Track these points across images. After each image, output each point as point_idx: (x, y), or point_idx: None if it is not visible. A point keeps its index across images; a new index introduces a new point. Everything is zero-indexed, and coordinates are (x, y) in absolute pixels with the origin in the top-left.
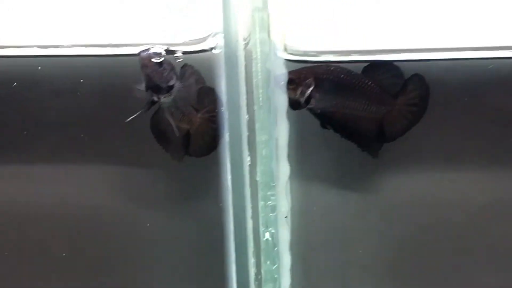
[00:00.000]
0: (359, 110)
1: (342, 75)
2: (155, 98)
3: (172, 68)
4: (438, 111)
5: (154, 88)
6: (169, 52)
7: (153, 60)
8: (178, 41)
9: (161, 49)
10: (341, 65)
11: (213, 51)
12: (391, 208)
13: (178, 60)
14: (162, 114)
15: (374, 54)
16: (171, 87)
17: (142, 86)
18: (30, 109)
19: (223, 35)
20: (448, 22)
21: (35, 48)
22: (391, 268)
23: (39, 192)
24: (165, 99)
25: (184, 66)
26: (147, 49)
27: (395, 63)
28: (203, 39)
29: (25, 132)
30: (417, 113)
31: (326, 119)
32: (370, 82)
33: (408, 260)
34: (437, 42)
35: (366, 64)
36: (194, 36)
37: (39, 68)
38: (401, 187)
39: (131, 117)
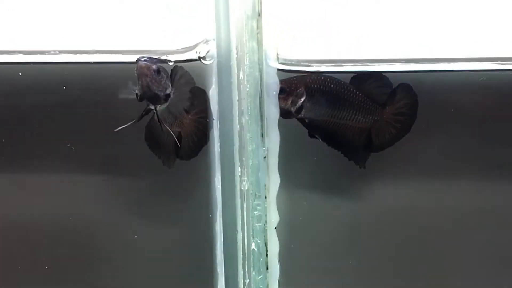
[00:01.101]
0: (346, 120)
1: (332, 85)
2: (151, 107)
3: (168, 76)
4: (425, 121)
5: (152, 97)
6: (163, 61)
7: (151, 68)
8: (169, 48)
9: (157, 57)
10: (330, 74)
11: (204, 61)
12: (379, 217)
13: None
14: (155, 121)
15: (366, 64)
16: (168, 95)
17: (129, 89)
18: (20, 119)
19: (215, 43)
20: (439, 33)
21: (20, 54)
22: (378, 277)
23: (29, 203)
24: (160, 108)
25: (174, 68)
26: (145, 57)
27: (386, 73)
28: (195, 47)
29: (3, 141)
30: (406, 122)
31: (314, 128)
32: (358, 92)
33: (396, 268)
34: (428, 53)
35: (354, 73)
36: (186, 44)
37: (19, 74)
38: (389, 196)
39: (121, 127)
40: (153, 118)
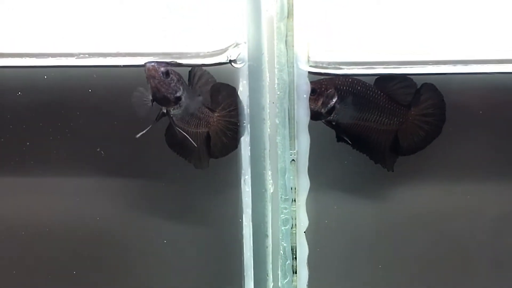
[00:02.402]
0: (371, 122)
1: (359, 87)
2: (164, 110)
3: (179, 78)
4: (454, 123)
5: (162, 99)
6: (176, 64)
7: (159, 70)
8: (200, 51)
9: (167, 60)
10: (357, 77)
11: (235, 64)
12: (409, 221)
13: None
14: (174, 126)
15: (398, 67)
16: (179, 98)
17: (141, 93)
18: (38, 120)
19: (246, 46)
20: (470, 35)
21: (39, 57)
22: (408, 281)
23: (59, 205)
24: (175, 111)
25: (192, 69)
26: (153, 61)
27: (417, 76)
28: (225, 50)
29: (27, 143)
30: (434, 123)
31: (341, 131)
32: (382, 94)
33: (424, 272)
34: (458, 55)
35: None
36: (216, 47)
37: (45, 77)
38: (419, 200)
39: (141, 133)
40: (170, 125)
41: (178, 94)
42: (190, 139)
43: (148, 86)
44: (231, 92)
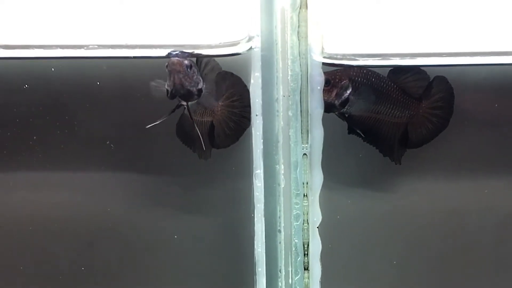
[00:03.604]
0: (383, 114)
1: (373, 79)
2: (183, 103)
3: (198, 70)
4: (465, 116)
5: (186, 94)
6: (195, 55)
7: (184, 64)
8: (211, 43)
9: (189, 52)
10: (371, 68)
11: (251, 50)
12: (424, 217)
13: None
14: (186, 117)
15: (414, 58)
16: (201, 90)
17: (160, 84)
18: (45, 113)
19: (259, 37)
20: (487, 26)
21: (47, 49)
22: (421, 277)
23: (67, 200)
24: (191, 102)
25: (198, 58)
26: (177, 53)
27: (433, 67)
28: (238, 41)
29: (34, 137)
30: (442, 116)
31: (354, 123)
32: (395, 86)
33: (439, 267)
34: (474, 46)
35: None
36: (229, 39)
37: (52, 69)
38: (433, 195)
39: (152, 124)
40: (183, 114)
41: (199, 86)
42: (197, 129)
43: (170, 79)
44: (236, 81)
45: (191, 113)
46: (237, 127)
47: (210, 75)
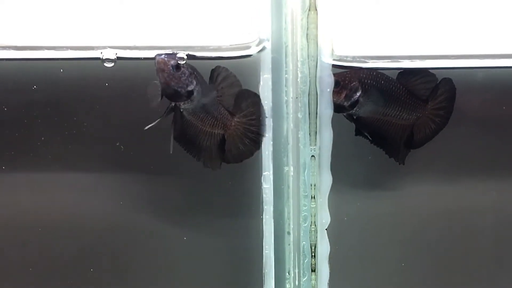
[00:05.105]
0: (391, 117)
1: (382, 81)
2: (172, 105)
3: (192, 72)
4: (470, 118)
5: (172, 94)
6: (191, 56)
7: (169, 64)
8: (221, 45)
9: (180, 53)
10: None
11: (261, 52)
12: (433, 218)
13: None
14: (186, 122)
15: (424, 60)
16: (191, 93)
17: (156, 85)
18: (53, 114)
19: (269, 39)
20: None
21: (57, 50)
22: (429, 279)
23: (68, 201)
24: (185, 106)
25: (216, 68)
26: (164, 53)
27: (442, 70)
28: (249, 44)
29: (42, 138)
30: (445, 116)
31: (362, 125)
32: (404, 89)
33: (448, 269)
34: (484, 49)
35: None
36: (239, 41)
37: (61, 70)
38: (443, 197)
39: (149, 126)
40: (185, 120)
41: (189, 88)
42: (171, 143)
43: (159, 79)
44: (257, 101)
45: (179, 117)
46: (252, 144)
47: (227, 90)
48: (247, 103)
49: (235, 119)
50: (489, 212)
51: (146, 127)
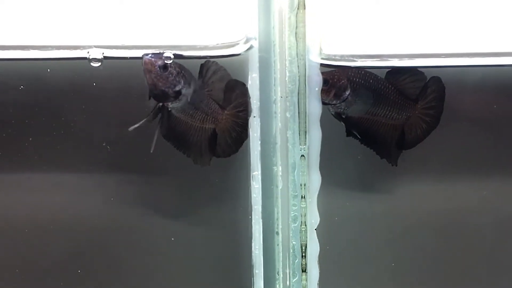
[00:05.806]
0: (381, 116)
1: (371, 80)
2: (159, 105)
3: (180, 71)
4: (462, 117)
5: (159, 95)
6: (178, 56)
7: (156, 64)
8: (209, 44)
9: (167, 53)
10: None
11: (249, 51)
12: (423, 219)
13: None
14: (174, 119)
15: (413, 58)
16: (179, 93)
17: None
18: (41, 115)
19: (256, 38)
20: (487, 27)
21: (42, 50)
22: (419, 279)
23: (56, 202)
24: (174, 105)
25: (206, 63)
26: (151, 53)
27: (432, 68)
28: (236, 43)
29: (30, 139)
30: (435, 115)
31: (351, 125)
32: (393, 88)
33: (437, 269)
34: (473, 47)
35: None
36: (226, 40)
37: (48, 70)
38: (433, 197)
39: (134, 126)
40: (175, 117)
41: (177, 88)
42: (153, 144)
43: (146, 80)
44: (245, 91)
45: (165, 117)
46: (238, 138)
47: (218, 84)
48: (235, 94)
49: (225, 112)
50: (481, 212)
51: (131, 128)
